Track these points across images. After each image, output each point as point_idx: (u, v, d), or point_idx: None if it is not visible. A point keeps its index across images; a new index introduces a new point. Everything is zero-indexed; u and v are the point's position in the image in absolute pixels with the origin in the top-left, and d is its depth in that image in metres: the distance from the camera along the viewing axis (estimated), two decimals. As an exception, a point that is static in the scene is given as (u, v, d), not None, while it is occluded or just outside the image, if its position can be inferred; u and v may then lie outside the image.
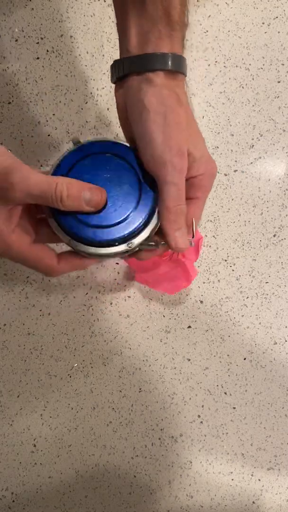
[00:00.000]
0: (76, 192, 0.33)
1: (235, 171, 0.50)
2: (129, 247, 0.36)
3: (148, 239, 0.36)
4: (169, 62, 0.34)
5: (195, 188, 0.38)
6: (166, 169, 0.35)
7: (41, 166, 0.48)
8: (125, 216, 0.35)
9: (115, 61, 0.36)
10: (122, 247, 0.36)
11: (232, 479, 0.49)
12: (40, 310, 0.49)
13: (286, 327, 0.50)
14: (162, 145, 0.34)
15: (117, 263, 0.49)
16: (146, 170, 0.36)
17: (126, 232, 0.35)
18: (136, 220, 0.36)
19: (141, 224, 0.36)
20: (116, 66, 0.36)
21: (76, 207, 0.33)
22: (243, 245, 0.50)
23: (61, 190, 0.32)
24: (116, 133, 0.49)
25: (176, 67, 0.35)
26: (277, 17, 0.50)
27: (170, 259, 0.46)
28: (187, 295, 0.49)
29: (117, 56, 0.36)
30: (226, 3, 0.53)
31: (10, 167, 0.31)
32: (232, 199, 0.50)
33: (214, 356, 0.49)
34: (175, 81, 0.35)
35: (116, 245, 0.36)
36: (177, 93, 0.35)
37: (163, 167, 0.35)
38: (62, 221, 0.35)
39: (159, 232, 0.37)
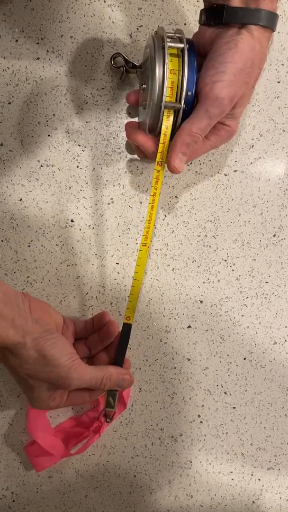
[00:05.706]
0: (115, 380, 0.41)
1: (235, 171, 0.50)
2: None
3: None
4: (267, 18, 0.38)
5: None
6: (214, 102, 0.38)
7: (41, 166, 0.48)
8: None
9: (226, 7, 0.38)
10: None
11: (232, 479, 0.49)
12: (40, 310, 0.49)
13: (286, 327, 0.50)
14: (227, 83, 0.38)
15: (117, 263, 0.49)
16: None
17: None
18: None
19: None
20: (226, 11, 0.39)
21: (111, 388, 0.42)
22: (243, 245, 0.50)
23: (104, 384, 0.40)
24: (117, 133, 0.49)
25: (270, 24, 0.38)
26: (277, 17, 0.50)
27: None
28: (187, 295, 0.49)
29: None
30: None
31: (69, 369, 0.38)
32: (232, 199, 0.50)
33: (214, 356, 0.49)
34: (266, 36, 0.39)
35: None
36: (264, 52, 0.39)
37: (214, 99, 0.38)
38: None
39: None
